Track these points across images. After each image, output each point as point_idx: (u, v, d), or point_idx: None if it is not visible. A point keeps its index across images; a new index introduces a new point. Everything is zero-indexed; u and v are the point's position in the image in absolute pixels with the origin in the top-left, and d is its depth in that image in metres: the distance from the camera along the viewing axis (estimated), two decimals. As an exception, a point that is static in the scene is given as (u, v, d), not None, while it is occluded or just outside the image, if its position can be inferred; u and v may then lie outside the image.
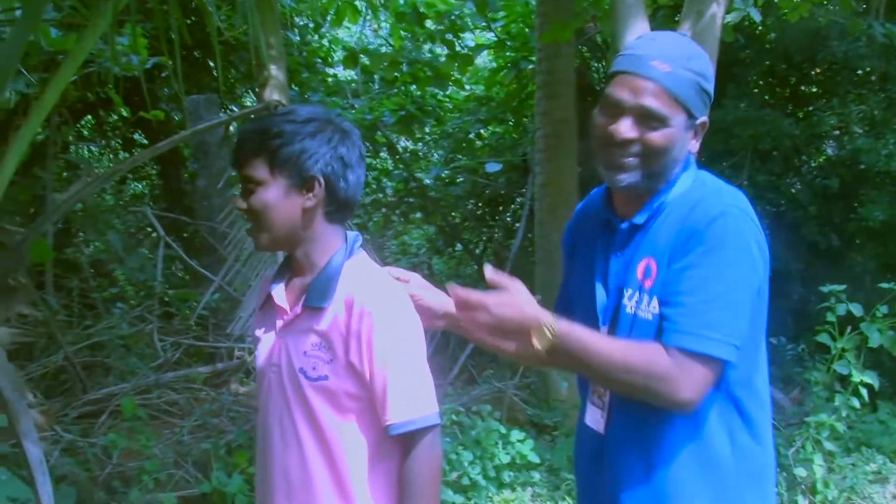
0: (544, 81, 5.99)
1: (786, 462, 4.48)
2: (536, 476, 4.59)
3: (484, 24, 8.00)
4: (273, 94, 4.14)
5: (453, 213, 9.02)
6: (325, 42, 9.09)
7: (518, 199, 8.45)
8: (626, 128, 1.65)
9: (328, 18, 8.16)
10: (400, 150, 8.94)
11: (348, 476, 1.69)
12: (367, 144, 7.57)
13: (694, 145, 1.72)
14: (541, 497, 4.47)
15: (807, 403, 5.25)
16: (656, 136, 1.65)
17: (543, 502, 4.43)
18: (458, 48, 7.68)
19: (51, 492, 2.66)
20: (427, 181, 8.79)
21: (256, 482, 1.87)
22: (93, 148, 8.84)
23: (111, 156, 8.84)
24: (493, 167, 8.01)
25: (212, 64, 7.35)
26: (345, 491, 1.69)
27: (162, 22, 3.47)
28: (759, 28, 7.33)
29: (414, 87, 7.85)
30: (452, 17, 7.53)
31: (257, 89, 4.46)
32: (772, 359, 1.84)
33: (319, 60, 8.78)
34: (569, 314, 1.69)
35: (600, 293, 1.77)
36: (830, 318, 4.59)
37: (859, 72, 7.80)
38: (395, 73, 7.59)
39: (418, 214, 9.01)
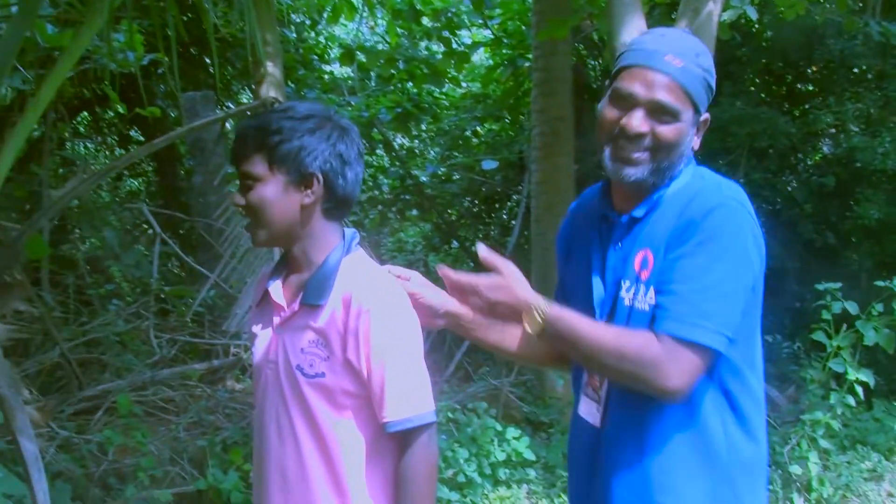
0: (541, 79, 5.98)
1: (781, 459, 4.49)
2: (532, 473, 4.60)
3: (480, 21, 7.99)
4: (269, 91, 4.13)
5: (449, 211, 9.02)
6: (321, 39, 9.08)
7: (514, 197, 8.46)
8: (638, 121, 1.64)
9: (325, 15, 8.16)
10: (396, 147, 8.94)
11: (345, 473, 1.69)
12: (364, 141, 7.54)
13: (696, 141, 1.73)
14: (536, 494, 4.47)
15: (802, 401, 5.26)
16: (668, 130, 1.65)
17: (539, 499, 4.43)
18: (454, 45, 7.69)
19: (46, 488, 2.66)
20: (423, 178, 8.80)
21: (252, 479, 1.86)
22: (89, 144, 8.83)
23: (107, 152, 8.84)
24: (489, 164, 8.02)
25: (208, 61, 7.34)
26: (341, 488, 1.69)
27: (158, 18, 3.48)
28: (756, 26, 7.32)
29: (410, 84, 7.83)
30: (449, 15, 7.53)
31: (254, 86, 4.46)
32: (767, 356, 1.84)
33: (316, 57, 8.78)
34: None
35: (598, 286, 1.76)
36: (826, 315, 4.60)
37: (855, 70, 7.81)
38: (392, 71, 7.58)
39: (414, 212, 9.01)
